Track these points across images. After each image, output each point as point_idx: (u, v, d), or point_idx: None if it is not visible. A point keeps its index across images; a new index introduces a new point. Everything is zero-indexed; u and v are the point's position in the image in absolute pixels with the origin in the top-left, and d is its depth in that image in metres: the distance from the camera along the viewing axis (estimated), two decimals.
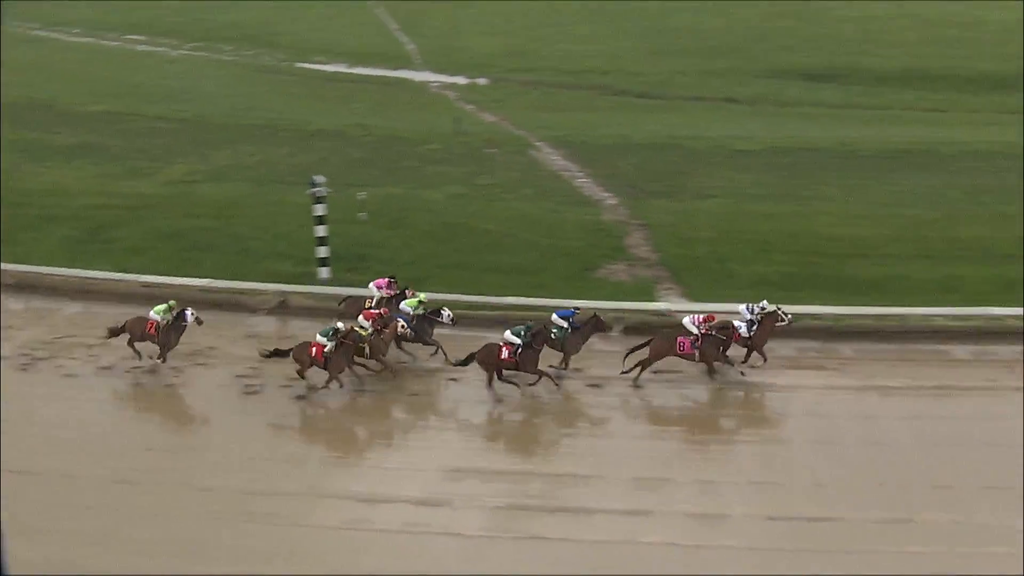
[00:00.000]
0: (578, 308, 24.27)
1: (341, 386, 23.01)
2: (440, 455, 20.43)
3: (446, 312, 24.57)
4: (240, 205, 32.49)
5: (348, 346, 23.01)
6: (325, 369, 22.92)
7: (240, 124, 42.69)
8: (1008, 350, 24.13)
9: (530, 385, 23.02)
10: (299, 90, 52.67)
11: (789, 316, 24.09)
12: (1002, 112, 48.13)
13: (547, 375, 23.16)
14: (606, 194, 34.06)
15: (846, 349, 24.65)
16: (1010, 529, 17.73)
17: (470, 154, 38.01)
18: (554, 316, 23.98)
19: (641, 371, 23.38)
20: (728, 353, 23.43)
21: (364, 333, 23.28)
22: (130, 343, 24.43)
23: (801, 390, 23.13)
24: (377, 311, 24.01)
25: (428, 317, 24.50)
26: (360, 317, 23.81)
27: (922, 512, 18.43)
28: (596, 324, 24.18)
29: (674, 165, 36.45)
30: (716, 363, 23.47)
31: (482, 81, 54.39)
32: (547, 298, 25.85)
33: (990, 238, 29.84)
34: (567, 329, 23.70)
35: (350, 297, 25.86)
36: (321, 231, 28.02)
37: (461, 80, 54.58)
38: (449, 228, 30.53)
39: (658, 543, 17.75)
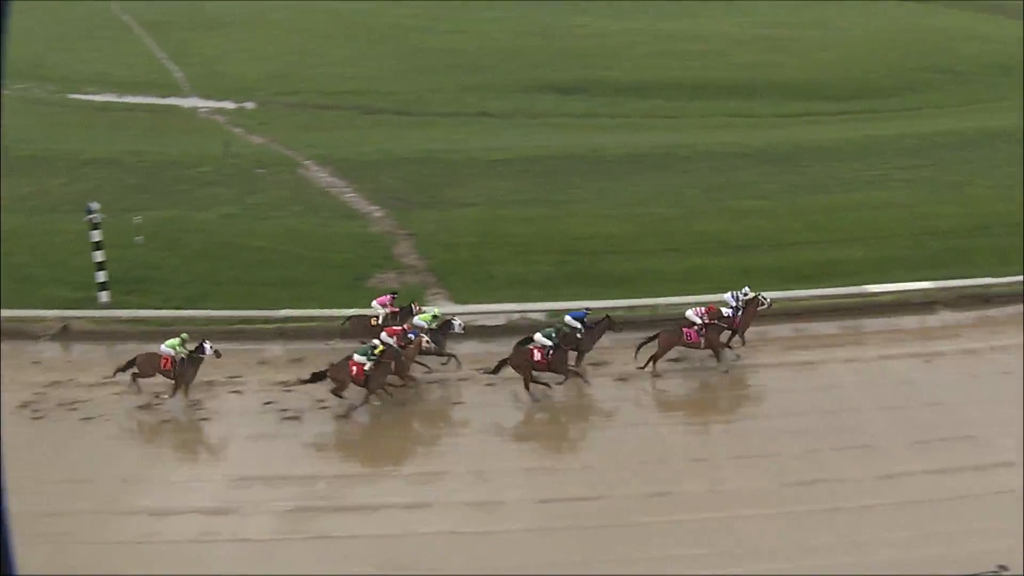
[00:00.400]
0: (588, 309, 24.97)
1: (380, 402, 23.11)
2: (226, 466, 20.59)
3: (457, 322, 24.83)
4: (17, 235, 31.58)
5: (386, 363, 22.99)
6: (364, 387, 22.83)
7: (13, 156, 41.04)
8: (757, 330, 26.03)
9: (559, 384, 23.55)
10: (71, 120, 51.94)
11: (768, 300, 25.38)
12: (730, 116, 51.27)
13: (577, 373, 23.78)
14: (373, 207, 34.65)
15: (603, 340, 25.37)
16: (762, 491, 19.42)
17: (240, 175, 37.89)
18: (567, 318, 24.52)
19: (655, 363, 24.33)
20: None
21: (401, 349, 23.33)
22: (136, 378, 23.52)
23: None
24: (400, 327, 23.99)
25: (441, 329, 24.60)
26: (384, 334, 23.75)
27: (682, 484, 19.89)
28: (607, 324, 24.81)
29: (435, 177, 37.39)
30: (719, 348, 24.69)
31: (249, 105, 54.14)
32: (321, 309, 27.00)
33: (726, 231, 31.55)
34: (581, 330, 24.26)
35: (353, 316, 25.81)
36: (99, 256, 27.92)
37: (229, 105, 54.18)
38: (223, 247, 30.58)
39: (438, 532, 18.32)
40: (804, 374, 24.70)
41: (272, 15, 73.40)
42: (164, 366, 23.33)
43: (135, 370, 23.43)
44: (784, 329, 26.57)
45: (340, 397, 22.95)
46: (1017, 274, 28.08)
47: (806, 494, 19.40)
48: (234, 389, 23.84)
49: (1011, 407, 22.64)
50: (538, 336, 23.61)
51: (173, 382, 23.39)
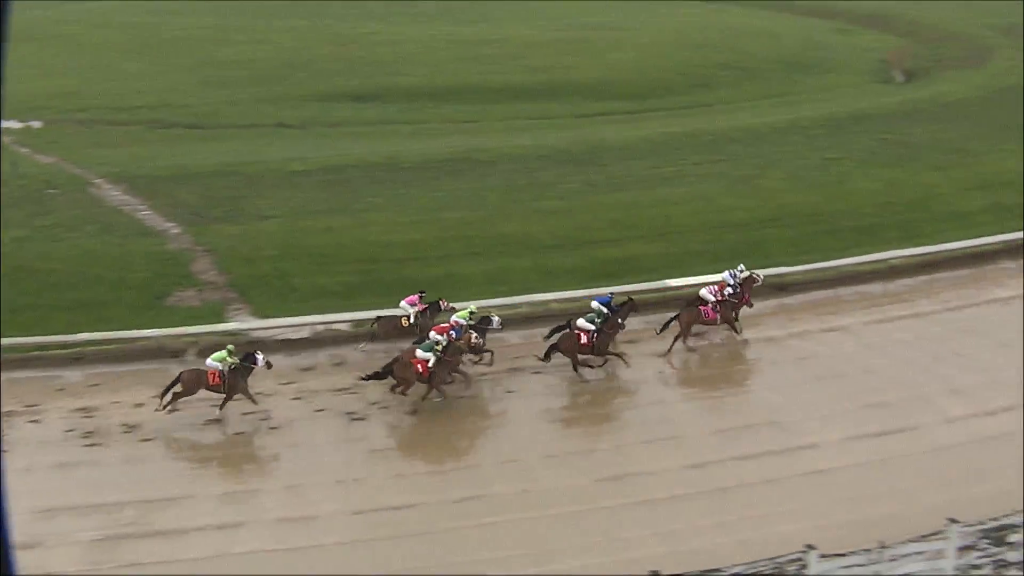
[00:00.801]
0: (613, 293, 25.92)
1: (444, 397, 23.40)
2: (30, 498, 19.79)
3: (495, 319, 25.22)
4: None
5: (447, 359, 23.33)
6: (426, 383, 23.07)
7: None
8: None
9: (599, 366, 24.60)
10: None
11: (761, 277, 27.18)
12: (529, 118, 51.96)
13: (619, 355, 24.75)
14: (169, 224, 33.72)
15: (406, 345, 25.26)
16: (575, 488, 19.81)
17: (29, 196, 36.17)
18: (594, 303, 25.40)
19: (681, 340, 25.95)
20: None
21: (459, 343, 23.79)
22: (178, 396, 22.95)
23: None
24: (448, 324, 24.32)
25: (480, 326, 24.93)
26: (432, 332, 23.93)
27: (493, 486, 20.13)
28: (631, 307, 25.79)
29: (233, 190, 36.60)
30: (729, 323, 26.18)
31: (36, 124, 51.80)
32: (120, 331, 26.34)
33: (528, 232, 31.94)
34: (607, 314, 24.90)
35: (381, 318, 26.04)
36: None
37: (15, 124, 51.60)
38: (14, 271, 29.23)
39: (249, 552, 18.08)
40: None
41: (63, 29, 71.40)
42: (212, 381, 23.03)
43: (178, 389, 22.97)
44: None
45: (404, 395, 23.34)
46: (810, 262, 29.66)
47: (618, 488, 19.75)
48: (32, 419, 23.26)
49: (811, 392, 23.80)
50: (581, 321, 24.74)
51: (224, 395, 23.20)
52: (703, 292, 26.50)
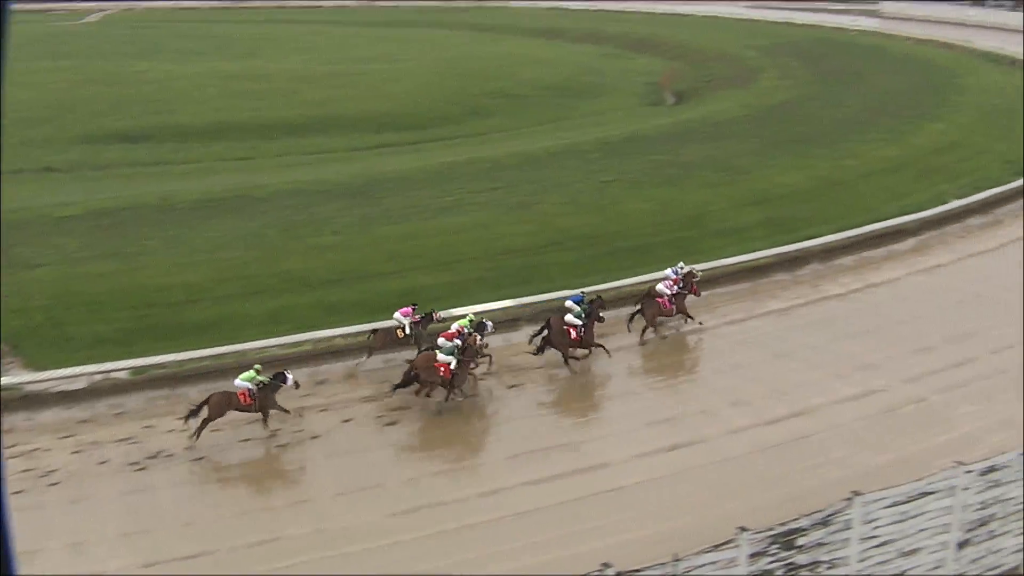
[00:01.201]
0: (584, 292, 27.68)
1: (464, 397, 24.53)
2: None
3: (489, 324, 26.19)
4: None
5: (466, 362, 24.58)
6: (447, 386, 24.24)
7: None
8: (339, 367, 26.81)
9: (585, 357, 26.63)
10: None
11: (699, 272, 29.53)
12: (305, 153, 51.60)
13: (602, 347, 26.85)
14: None
15: (192, 391, 24.97)
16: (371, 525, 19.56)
17: None
18: (568, 303, 27.03)
19: (652, 331, 28.21)
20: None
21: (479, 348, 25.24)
22: (208, 421, 22.81)
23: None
24: (454, 331, 25.23)
25: (476, 332, 25.61)
26: (440, 339, 24.93)
27: (286, 529, 19.68)
28: (600, 303, 27.23)
29: None
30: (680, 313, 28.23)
31: None
32: None
33: (308, 269, 31.49)
34: (580, 312, 26.56)
35: (377, 330, 26.71)
36: None
37: None
38: None
39: None
40: None
41: None
42: (243, 402, 23.17)
43: (206, 413, 22.86)
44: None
45: (428, 397, 24.40)
46: (591, 284, 29.52)
47: (412, 521, 19.65)
48: None
49: (596, 411, 24.44)
50: (569, 317, 26.40)
51: (260, 414, 23.36)
52: (659, 287, 28.44)
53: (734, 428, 23.06)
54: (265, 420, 23.33)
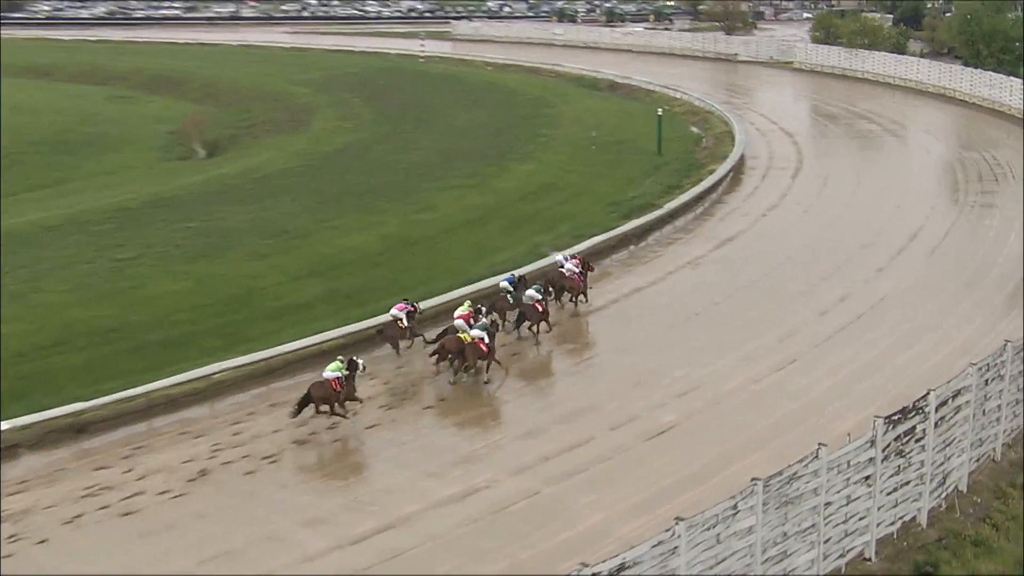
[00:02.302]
0: (513, 274, 37.45)
1: (501, 367, 32.69)
2: None
3: (484, 309, 34.99)
4: None
5: (493, 334, 32.74)
6: (485, 359, 32.15)
7: None
8: None
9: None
10: None
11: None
12: None
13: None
14: None
15: None
16: None
17: None
18: (503, 283, 36.91)
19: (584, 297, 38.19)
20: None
21: (466, 337, 32.33)
22: (317, 408, 29.45)
23: None
24: (467, 313, 33.84)
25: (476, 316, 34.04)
26: (458, 321, 33.41)
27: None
28: (525, 280, 37.04)
29: None
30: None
31: None
32: None
33: None
34: (511, 291, 36.32)
35: (386, 324, 34.35)
36: None
37: None
38: None
39: None
40: None
41: None
42: (335, 388, 29.44)
43: (314, 403, 29.25)
44: None
45: (466, 372, 31.89)
46: (111, 391, 29.16)
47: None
48: None
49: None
50: (531, 292, 35.93)
51: (339, 403, 29.54)
52: (568, 265, 38.24)
53: (310, 554, 23.22)
54: (343, 406, 29.49)
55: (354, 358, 30.43)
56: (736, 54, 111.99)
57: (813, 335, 35.00)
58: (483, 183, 52.41)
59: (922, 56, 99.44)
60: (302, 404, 29.12)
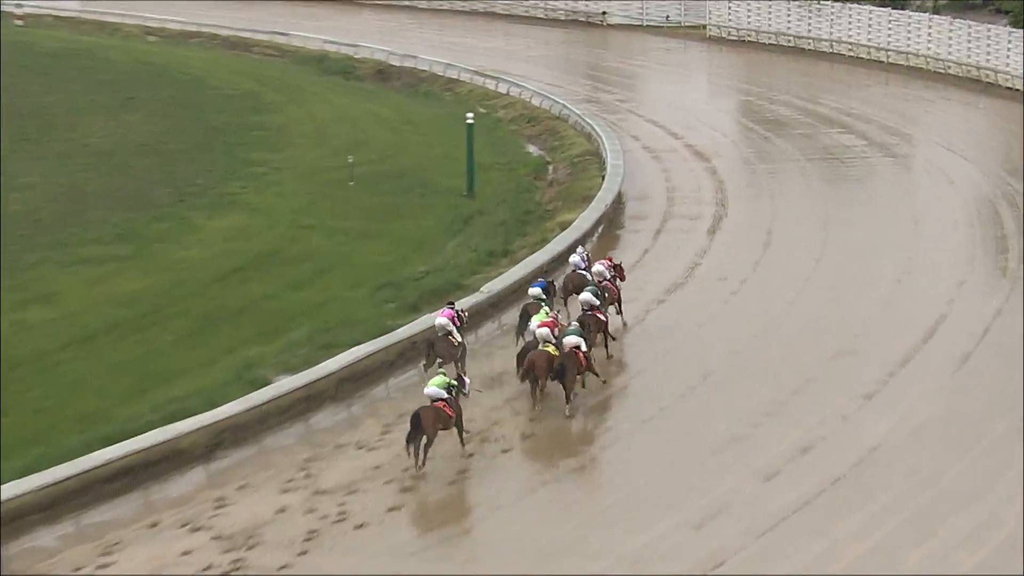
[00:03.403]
0: (541, 279, 42.22)
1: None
2: None
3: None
4: None
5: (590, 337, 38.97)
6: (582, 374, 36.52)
7: None
8: None
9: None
10: None
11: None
12: None
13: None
14: None
15: None
16: None
17: None
18: (535, 291, 40.13)
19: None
20: None
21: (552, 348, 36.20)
22: (427, 446, 32.25)
23: None
24: (551, 320, 36.92)
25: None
26: (540, 330, 36.24)
27: None
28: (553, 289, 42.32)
29: None
30: None
31: None
32: None
33: None
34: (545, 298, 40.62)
35: (432, 338, 38.14)
36: None
37: None
38: None
39: None
40: None
41: None
42: (449, 413, 32.73)
43: (425, 436, 32.13)
44: None
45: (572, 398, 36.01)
46: None
47: None
48: None
49: None
50: (587, 296, 39.25)
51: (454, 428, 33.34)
52: (598, 267, 41.46)
53: None
54: (462, 434, 33.16)
55: (461, 373, 34.47)
56: (604, 13, 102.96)
57: (747, 523, 32.25)
58: (145, 251, 49.97)
59: (936, 11, 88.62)
60: (413, 438, 32.17)
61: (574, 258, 43.17)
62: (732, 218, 56.84)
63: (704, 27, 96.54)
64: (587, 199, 56.55)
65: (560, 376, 35.22)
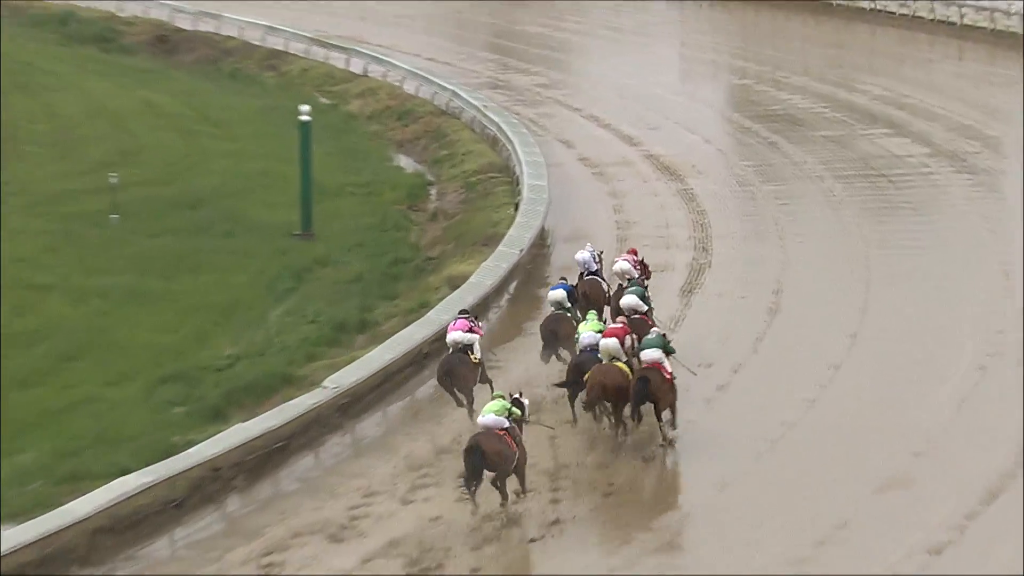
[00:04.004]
0: (564, 278, 41.02)
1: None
2: None
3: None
4: None
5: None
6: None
7: None
8: None
9: None
10: None
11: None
12: None
13: None
14: None
15: None
16: None
17: None
18: (560, 293, 39.01)
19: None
20: None
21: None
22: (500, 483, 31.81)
23: None
24: (621, 328, 35.83)
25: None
26: (604, 340, 34.80)
27: None
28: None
29: None
30: None
31: None
32: None
33: None
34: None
35: (447, 357, 36.83)
36: None
37: None
38: None
39: None
40: None
41: None
42: (512, 446, 31.63)
43: (494, 473, 31.61)
44: None
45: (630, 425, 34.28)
46: None
47: None
48: None
49: None
50: (632, 300, 37.95)
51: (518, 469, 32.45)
52: (621, 264, 39.69)
53: None
54: (524, 478, 31.77)
55: (518, 395, 33.18)
56: None
57: None
58: None
59: None
60: (473, 475, 31.47)
61: (582, 256, 41.77)
62: (719, 270, 48.52)
63: None
64: (491, 241, 49.49)
65: (642, 401, 33.65)
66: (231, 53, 77.68)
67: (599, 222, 52.64)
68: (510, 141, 57.39)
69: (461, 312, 37.70)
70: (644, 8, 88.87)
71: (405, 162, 62.16)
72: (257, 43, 76.90)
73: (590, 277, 41.33)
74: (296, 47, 75.85)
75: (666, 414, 34.35)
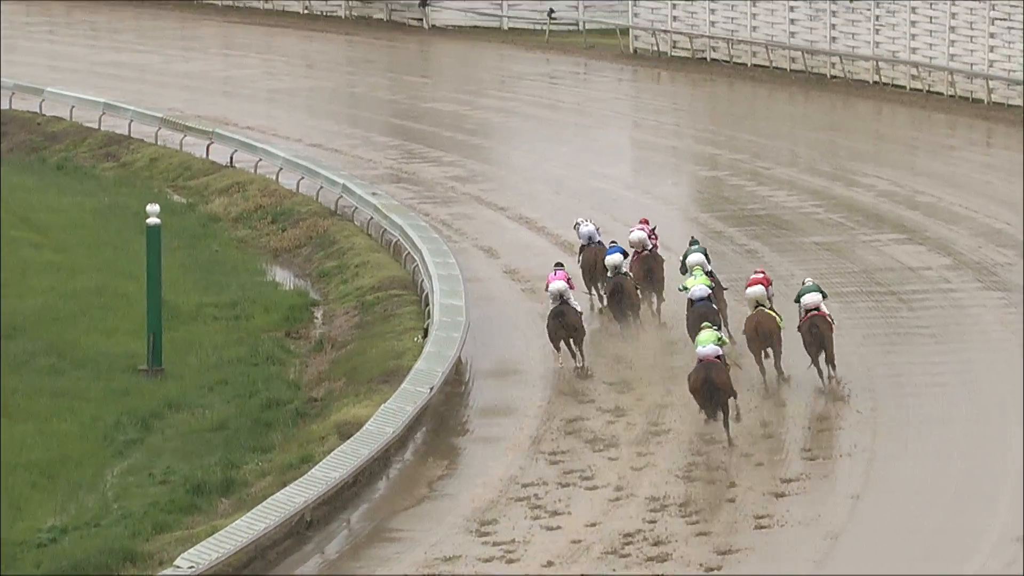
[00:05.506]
0: (614, 242, 50.20)
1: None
2: None
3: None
4: None
5: None
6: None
7: None
8: None
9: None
10: None
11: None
12: None
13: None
14: None
15: None
16: None
17: None
18: (617, 257, 48.32)
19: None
20: None
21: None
22: (725, 413, 40.46)
23: None
24: (762, 272, 47.24)
25: None
26: (755, 288, 44.37)
27: None
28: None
29: None
30: None
31: None
32: None
33: None
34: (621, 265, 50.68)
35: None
36: None
37: None
38: None
39: None
40: None
41: None
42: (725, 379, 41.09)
43: (726, 396, 40.35)
44: None
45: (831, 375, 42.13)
46: None
47: None
48: None
49: None
50: (699, 258, 48.63)
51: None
52: (636, 234, 49.46)
53: None
54: (733, 410, 39.96)
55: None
56: (424, 4, 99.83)
57: None
58: None
59: None
60: (714, 406, 38.67)
61: (586, 228, 49.87)
62: (680, 427, 45.71)
63: (623, 33, 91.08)
64: (393, 376, 48.99)
65: (820, 346, 41.30)
66: (58, 138, 79.24)
67: (531, 352, 52.06)
68: (417, 250, 57.70)
69: (557, 264, 46.28)
70: (587, 81, 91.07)
71: (282, 276, 62.39)
72: (92, 125, 78.02)
73: (599, 245, 49.48)
74: (142, 130, 76.14)
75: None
